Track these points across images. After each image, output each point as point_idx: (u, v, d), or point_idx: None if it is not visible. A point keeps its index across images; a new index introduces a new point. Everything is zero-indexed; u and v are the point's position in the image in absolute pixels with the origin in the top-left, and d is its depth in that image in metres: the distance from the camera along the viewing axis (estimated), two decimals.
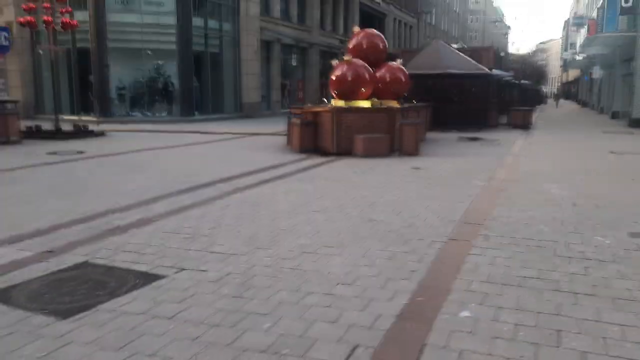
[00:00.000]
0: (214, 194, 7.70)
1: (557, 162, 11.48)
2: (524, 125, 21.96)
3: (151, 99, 26.16)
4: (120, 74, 25.18)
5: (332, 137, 12.59)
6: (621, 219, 6.16)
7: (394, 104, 14.20)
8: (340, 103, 13.21)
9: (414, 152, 12.61)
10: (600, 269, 4.44)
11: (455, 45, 29.69)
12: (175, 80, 25.97)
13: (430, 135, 17.07)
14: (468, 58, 22.47)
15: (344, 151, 12.36)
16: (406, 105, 14.63)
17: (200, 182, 8.59)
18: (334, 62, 14.10)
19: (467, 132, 19.46)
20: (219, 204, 7.00)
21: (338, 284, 4.09)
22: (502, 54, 39.15)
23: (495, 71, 25.24)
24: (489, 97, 22.57)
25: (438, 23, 52.49)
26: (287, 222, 6.02)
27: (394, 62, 15.37)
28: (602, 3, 31.60)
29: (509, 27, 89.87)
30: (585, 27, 38.70)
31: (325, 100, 15.74)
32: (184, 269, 4.39)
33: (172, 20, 25.25)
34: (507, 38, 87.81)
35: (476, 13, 72.26)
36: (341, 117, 12.65)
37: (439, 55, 21.14)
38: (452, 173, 9.88)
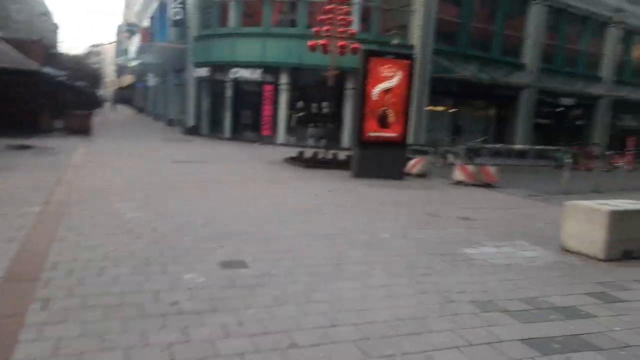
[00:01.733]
0: None
1: (124, 174, 10.43)
2: (83, 130, 20.14)
3: None
4: None
5: None
6: (205, 240, 5.57)
7: None
8: None
9: None
10: (201, 326, 3.52)
11: None
12: None
13: None
14: (12, 49, 18.87)
15: None
16: None
17: None
18: None
19: (15, 138, 16.21)
20: None
21: None
22: (54, 51, 35.67)
23: (47, 69, 22.33)
24: (40, 98, 19.65)
25: None
26: None
27: None
28: (154, 13, 32.90)
29: (57, 25, 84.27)
30: (138, 34, 39.75)
31: None
32: None
33: None
34: (56, 35, 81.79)
35: (20, 2, 64.18)
36: None
37: None
38: (4, 197, 7.39)
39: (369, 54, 11.81)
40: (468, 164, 13.02)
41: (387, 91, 11.91)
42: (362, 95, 11.81)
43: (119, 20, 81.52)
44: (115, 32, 74.21)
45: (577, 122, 27.60)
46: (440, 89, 21.22)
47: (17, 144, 14.94)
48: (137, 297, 3.97)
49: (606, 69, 26.93)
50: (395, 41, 17.84)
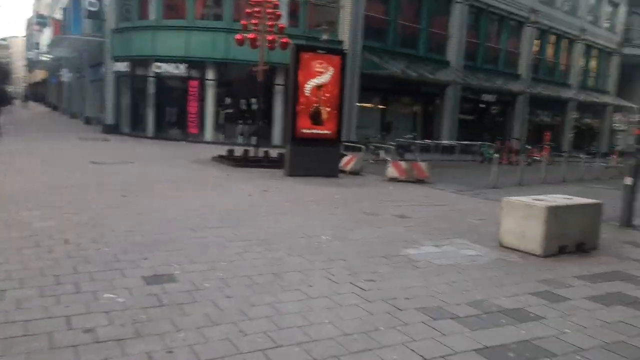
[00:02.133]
0: None
1: (33, 178, 9.45)
2: None
3: None
4: None
5: None
6: (126, 251, 5.00)
7: None
8: None
9: None
10: (122, 357, 3.02)
11: None
12: None
13: None
14: None
15: None
16: None
17: None
18: None
19: None
20: None
21: None
22: None
23: None
24: None
25: None
26: None
27: None
28: (66, 5, 30.74)
29: None
30: (50, 27, 37.07)
31: None
32: None
33: None
34: None
35: None
36: None
37: None
38: None
39: (300, 49, 11.47)
40: (400, 161, 13.03)
41: (319, 87, 11.64)
42: (294, 92, 11.46)
43: (28, 12, 75.92)
44: (25, 25, 69.04)
45: (498, 118, 28.83)
46: (369, 86, 21.30)
47: None
48: (45, 325, 3.39)
49: (523, 67, 28.27)
50: (324, 37, 17.64)
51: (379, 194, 10.06)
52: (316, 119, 11.75)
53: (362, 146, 16.59)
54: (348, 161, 13.11)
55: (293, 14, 20.15)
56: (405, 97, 25.00)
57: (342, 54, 12.08)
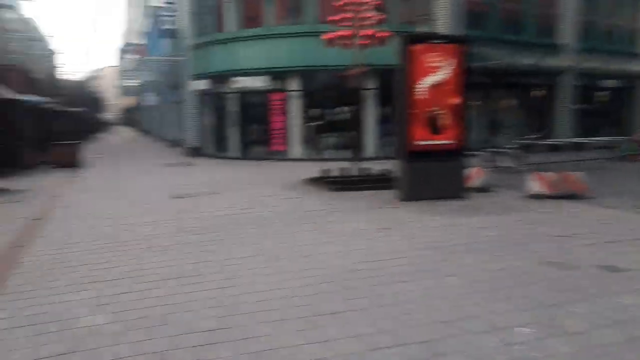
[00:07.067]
0: None
1: (97, 230, 7.76)
2: (72, 163, 17.62)
3: None
4: None
5: None
6: None
7: None
8: None
9: None
10: None
11: None
12: None
13: None
14: None
15: None
16: None
17: None
18: None
19: None
20: None
21: None
22: (38, 75, 33.39)
23: (26, 97, 19.91)
24: (19, 130, 17.22)
25: None
26: None
27: None
28: (148, 28, 30.58)
29: (57, 51, 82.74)
30: (136, 53, 37.54)
31: None
32: None
33: None
34: (55, 61, 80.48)
35: (12, 32, 62.32)
36: None
37: None
38: None
39: (411, 40, 9.09)
40: (546, 172, 10.21)
41: (436, 86, 9.21)
42: (406, 94, 9.10)
43: (119, 42, 79.69)
44: (116, 54, 72.30)
45: (618, 106, 24.65)
46: (469, 80, 18.39)
47: None
48: None
49: None
50: (421, 29, 15.16)
51: (538, 224, 7.38)
52: (434, 126, 9.32)
53: (478, 152, 13.89)
54: (473, 175, 10.52)
55: (381, 9, 17.79)
56: (510, 91, 21.72)
57: (463, 41, 9.53)
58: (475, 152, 13.82)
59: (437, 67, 9.18)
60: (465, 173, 10.07)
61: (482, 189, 10.26)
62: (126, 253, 6.11)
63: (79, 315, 4.18)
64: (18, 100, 17.75)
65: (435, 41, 9.26)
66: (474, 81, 18.19)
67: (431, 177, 9.27)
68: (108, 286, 4.89)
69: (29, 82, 24.31)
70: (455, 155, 9.54)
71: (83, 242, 6.74)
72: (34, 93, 22.54)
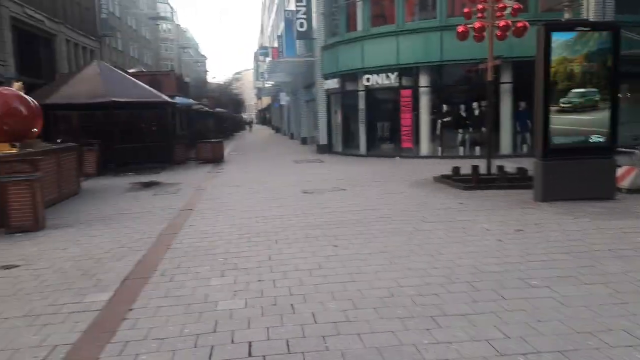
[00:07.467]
0: None
1: (238, 219, 8.40)
2: (215, 159, 19.23)
3: None
4: None
5: None
6: None
7: (4, 148, 9.33)
8: None
9: (32, 225, 7.98)
10: None
11: (132, 70, 25.58)
12: None
13: (96, 183, 13.20)
14: (141, 84, 18.59)
15: None
16: (19, 151, 9.53)
17: None
18: None
19: (146, 174, 15.61)
20: None
21: None
22: (188, 79, 36.77)
23: (178, 99, 22.09)
24: (172, 128, 19.21)
25: (126, 49, 47.30)
26: None
27: (9, 88, 10.56)
28: (281, 31, 32.16)
29: (204, 57, 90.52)
30: (270, 56, 39.65)
31: None
32: None
33: None
34: (203, 67, 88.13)
35: (167, 41, 69.48)
36: None
37: (99, 80, 16.56)
38: (62, 277, 5.64)
39: (551, 29, 8.44)
40: None
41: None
42: (545, 87, 8.49)
43: (255, 46, 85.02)
44: (253, 57, 77.14)
45: None
46: (620, 70, 16.42)
47: (144, 181, 14.08)
48: None
49: None
50: (566, 16, 13.96)
51: None
52: None
53: (629, 149, 12.46)
54: (624, 174, 9.49)
55: None
56: None
57: (614, 28, 8.61)
58: (627, 149, 12.43)
59: (582, 58, 8.41)
60: (615, 172, 9.12)
61: (634, 190, 9.21)
62: (259, 244, 6.54)
63: (218, 299, 4.57)
64: (172, 103, 19.77)
65: (580, 28, 8.48)
66: (624, 71, 16.41)
67: (573, 176, 8.53)
68: (243, 274, 5.28)
69: (180, 86, 26.90)
70: (602, 151, 8.68)
71: (223, 232, 7.34)
72: (184, 96, 24.91)
